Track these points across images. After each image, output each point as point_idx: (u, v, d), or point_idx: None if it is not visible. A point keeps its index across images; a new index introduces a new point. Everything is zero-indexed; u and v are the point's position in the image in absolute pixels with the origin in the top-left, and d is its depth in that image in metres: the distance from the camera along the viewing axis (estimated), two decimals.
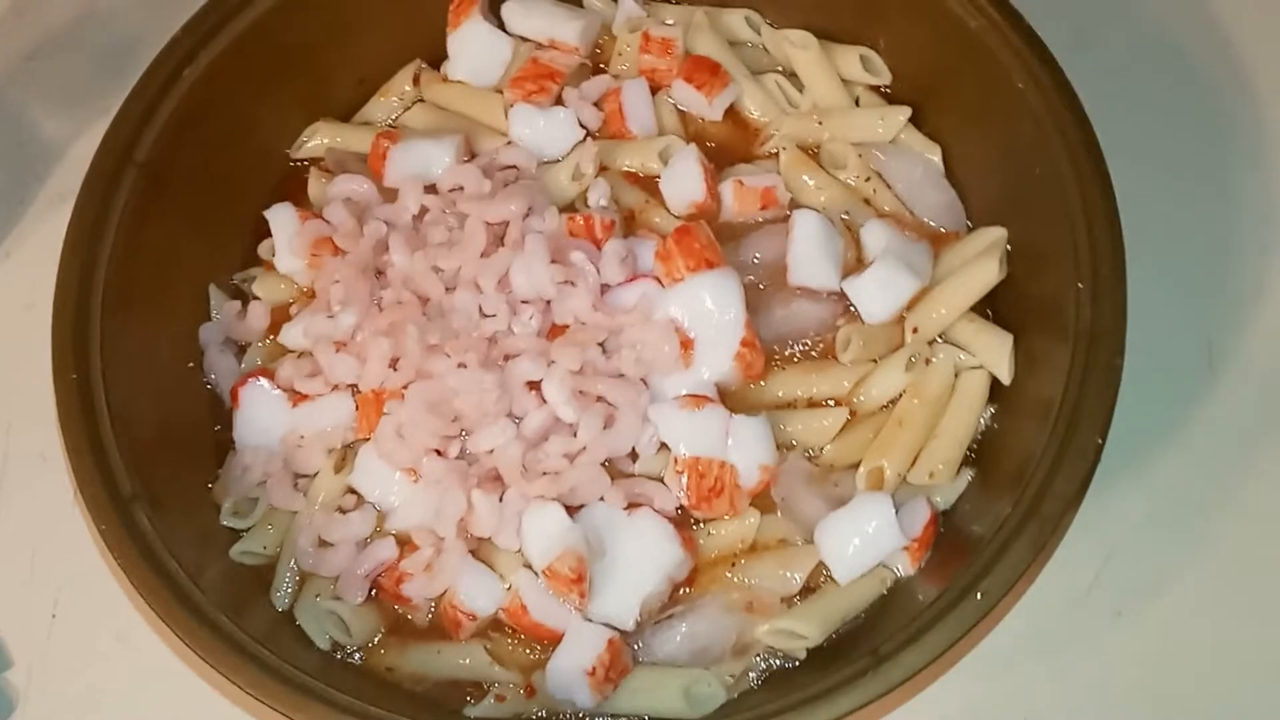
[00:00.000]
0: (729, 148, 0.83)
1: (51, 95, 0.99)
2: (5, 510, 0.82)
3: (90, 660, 0.78)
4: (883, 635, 0.66)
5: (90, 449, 0.67)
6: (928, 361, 0.75)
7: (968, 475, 0.74)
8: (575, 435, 0.72)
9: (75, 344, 0.70)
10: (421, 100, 0.86)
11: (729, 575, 0.72)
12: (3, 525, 0.82)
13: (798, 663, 0.70)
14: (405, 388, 0.73)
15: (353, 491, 0.74)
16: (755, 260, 0.78)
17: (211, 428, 0.78)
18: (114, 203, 0.74)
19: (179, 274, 0.79)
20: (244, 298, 0.81)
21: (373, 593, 0.72)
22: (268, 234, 0.82)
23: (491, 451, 0.72)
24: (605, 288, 0.76)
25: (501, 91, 0.84)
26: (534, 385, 0.73)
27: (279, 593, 0.72)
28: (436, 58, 0.87)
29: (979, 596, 0.63)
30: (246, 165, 0.83)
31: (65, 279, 0.72)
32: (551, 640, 0.70)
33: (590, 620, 0.69)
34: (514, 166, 0.81)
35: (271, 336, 0.79)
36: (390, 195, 0.80)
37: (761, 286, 0.78)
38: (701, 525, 0.73)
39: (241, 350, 0.80)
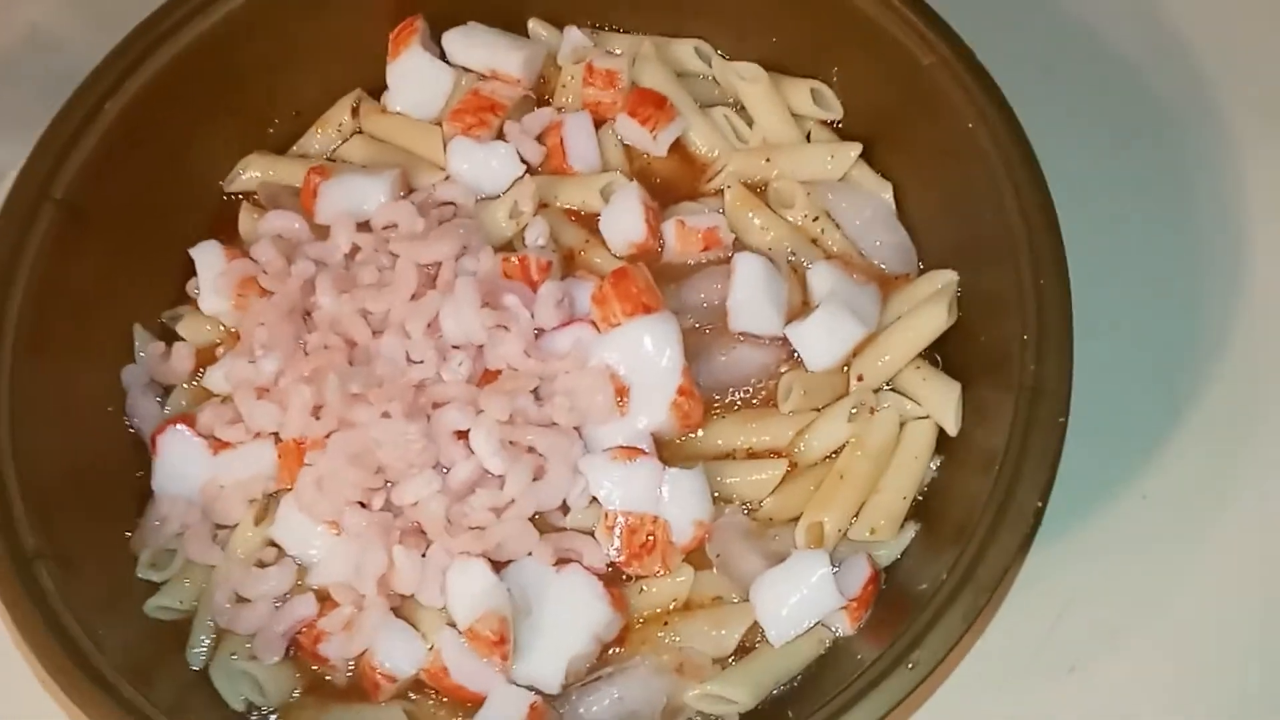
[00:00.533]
0: (674, 184, 0.81)
1: None
2: None
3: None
4: (814, 702, 0.64)
5: None
6: (872, 411, 0.72)
7: (912, 529, 0.71)
8: (503, 488, 0.69)
9: None
10: (359, 132, 0.84)
11: (660, 635, 0.69)
12: None
13: None
14: (327, 437, 0.70)
15: (273, 544, 0.71)
16: (700, 302, 0.76)
17: (134, 473, 0.75)
18: (28, 242, 0.71)
19: (102, 314, 0.76)
20: (171, 338, 0.78)
21: (291, 651, 0.70)
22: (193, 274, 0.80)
23: (415, 504, 0.69)
24: (540, 331, 0.73)
25: (441, 124, 0.82)
26: (462, 434, 0.70)
27: (195, 650, 0.70)
28: (376, 88, 0.84)
29: (910, 668, 0.60)
30: (178, 199, 0.81)
31: None
32: (474, 702, 0.67)
33: (514, 683, 0.67)
34: (451, 203, 0.79)
35: (196, 379, 0.77)
36: (322, 232, 0.78)
37: (703, 330, 0.75)
38: (633, 581, 0.70)
39: (166, 393, 0.77)
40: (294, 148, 0.84)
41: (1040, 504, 0.63)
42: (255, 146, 0.83)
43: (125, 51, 0.77)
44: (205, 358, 0.77)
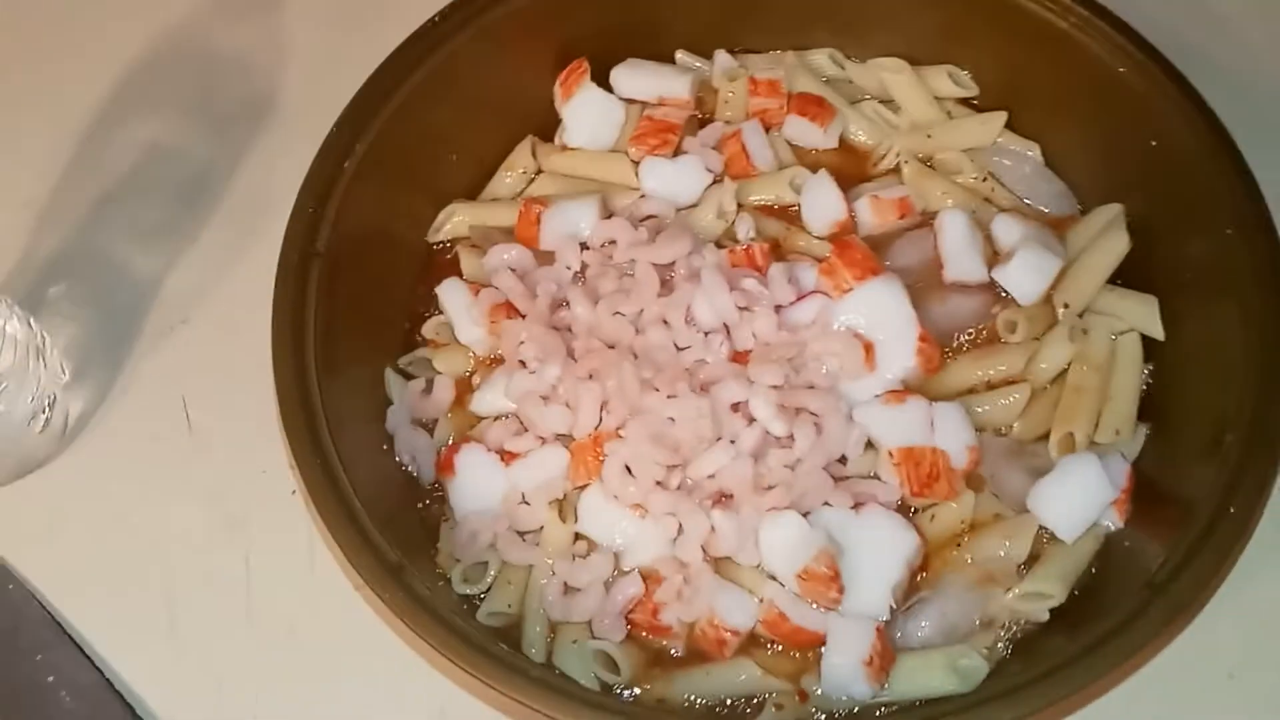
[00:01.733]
0: (844, 172, 0.88)
1: (133, 234, 0.99)
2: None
3: None
4: (1120, 586, 0.71)
5: (349, 522, 0.68)
6: (1085, 331, 0.80)
7: (1144, 430, 0.79)
8: (789, 447, 0.75)
9: (310, 434, 0.71)
10: (541, 171, 0.90)
11: (956, 555, 0.75)
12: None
13: (1041, 626, 0.74)
14: (620, 428, 0.75)
15: (580, 538, 0.75)
16: (907, 264, 0.83)
17: (415, 506, 0.79)
18: (307, 293, 0.75)
19: (359, 361, 0.80)
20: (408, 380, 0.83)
21: (627, 630, 0.73)
22: (419, 318, 0.84)
23: (713, 476, 0.74)
24: (778, 309, 0.80)
25: (620, 153, 0.89)
26: (735, 407, 0.76)
27: (533, 648, 0.73)
28: (543, 130, 0.91)
29: (1231, 510, 0.67)
30: (391, 255, 0.86)
31: (283, 380, 0.73)
32: (811, 643, 0.72)
33: (848, 616, 0.72)
34: (654, 216, 0.85)
35: (455, 409, 0.81)
36: (545, 259, 0.83)
37: (916, 287, 0.82)
38: (923, 511, 0.76)
39: (427, 428, 0.81)
40: (483, 194, 0.90)
41: None
42: (448, 199, 0.89)
43: (344, 124, 0.81)
44: (460, 388, 0.82)
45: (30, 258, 0.96)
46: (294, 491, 0.83)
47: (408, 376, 0.83)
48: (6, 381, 0.83)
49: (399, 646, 0.77)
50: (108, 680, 0.77)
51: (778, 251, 0.85)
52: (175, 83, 1.03)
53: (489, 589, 0.74)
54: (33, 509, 0.85)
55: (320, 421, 0.71)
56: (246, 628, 0.80)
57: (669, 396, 0.75)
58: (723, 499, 0.74)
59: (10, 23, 1.06)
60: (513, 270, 0.82)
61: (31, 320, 0.85)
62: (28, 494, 0.86)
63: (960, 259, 0.82)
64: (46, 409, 0.86)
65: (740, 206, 0.86)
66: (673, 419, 0.74)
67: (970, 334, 0.82)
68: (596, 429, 0.75)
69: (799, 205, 0.86)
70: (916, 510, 0.76)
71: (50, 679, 0.78)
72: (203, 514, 0.84)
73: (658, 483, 0.74)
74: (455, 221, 0.87)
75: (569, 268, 0.82)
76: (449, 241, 0.88)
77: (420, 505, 0.79)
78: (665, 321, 0.78)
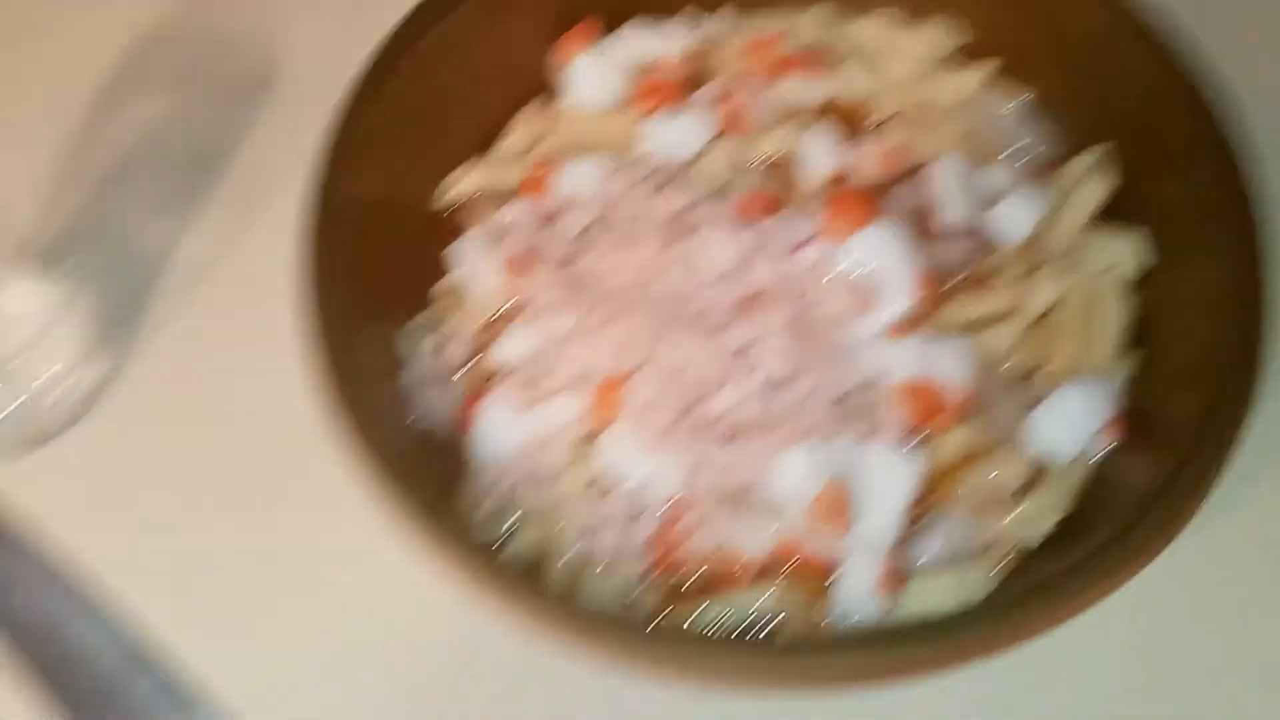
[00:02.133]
0: (839, 125, 0.92)
1: (143, 207, 1.02)
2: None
3: None
4: (1111, 507, 0.75)
5: (378, 467, 0.71)
6: (1072, 268, 0.84)
7: (1131, 358, 0.83)
8: (797, 385, 0.78)
9: (337, 384, 0.74)
10: (547, 132, 0.93)
11: (957, 483, 0.79)
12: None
13: (1036, 548, 0.78)
14: (634, 371, 0.78)
15: (598, 480, 0.79)
16: (898, 212, 0.87)
17: (435, 458, 0.82)
18: (326, 254, 0.78)
19: (376, 319, 0.83)
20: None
21: (647, 564, 0.77)
22: (431, 279, 0.88)
23: (726, 414, 0.78)
24: (780, 257, 0.83)
25: (621, 113, 0.92)
26: (745, 349, 0.79)
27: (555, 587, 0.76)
28: (549, 92, 0.94)
29: (1215, 430, 0.72)
30: (402, 218, 0.88)
31: (308, 337, 0.75)
32: (824, 571, 0.76)
33: (858, 542, 0.76)
34: (658, 171, 0.88)
35: (470, 364, 0.84)
36: (554, 216, 0.86)
37: (909, 234, 0.86)
38: (924, 443, 0.80)
39: (443, 384, 0.84)
40: (491, 156, 0.93)
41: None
42: (457, 163, 0.91)
43: (354, 93, 0.84)
44: (474, 344, 0.85)
45: (42, 230, 0.99)
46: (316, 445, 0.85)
47: (422, 336, 0.86)
48: (32, 348, 0.86)
49: (429, 588, 0.80)
50: (134, 643, 0.81)
51: (777, 202, 0.88)
52: (180, 56, 1.06)
53: (511, 534, 0.78)
54: (57, 475, 0.88)
55: (344, 374, 0.74)
56: (278, 582, 0.83)
57: (682, 340, 0.78)
58: (735, 435, 0.78)
59: None
60: (524, 226, 0.85)
61: (53, 289, 0.88)
62: (52, 460, 0.89)
63: (952, 203, 0.85)
64: (70, 375, 0.89)
65: (740, 160, 0.89)
66: (686, 361, 0.78)
67: (963, 276, 0.86)
68: (613, 373, 0.78)
69: (797, 158, 0.89)
70: (918, 442, 0.80)
71: (80, 646, 0.80)
72: (229, 472, 0.87)
73: (673, 422, 0.78)
74: (465, 183, 0.90)
75: (579, 222, 0.85)
76: (458, 204, 0.91)
77: (440, 458, 0.82)
78: (674, 270, 0.81)
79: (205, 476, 0.87)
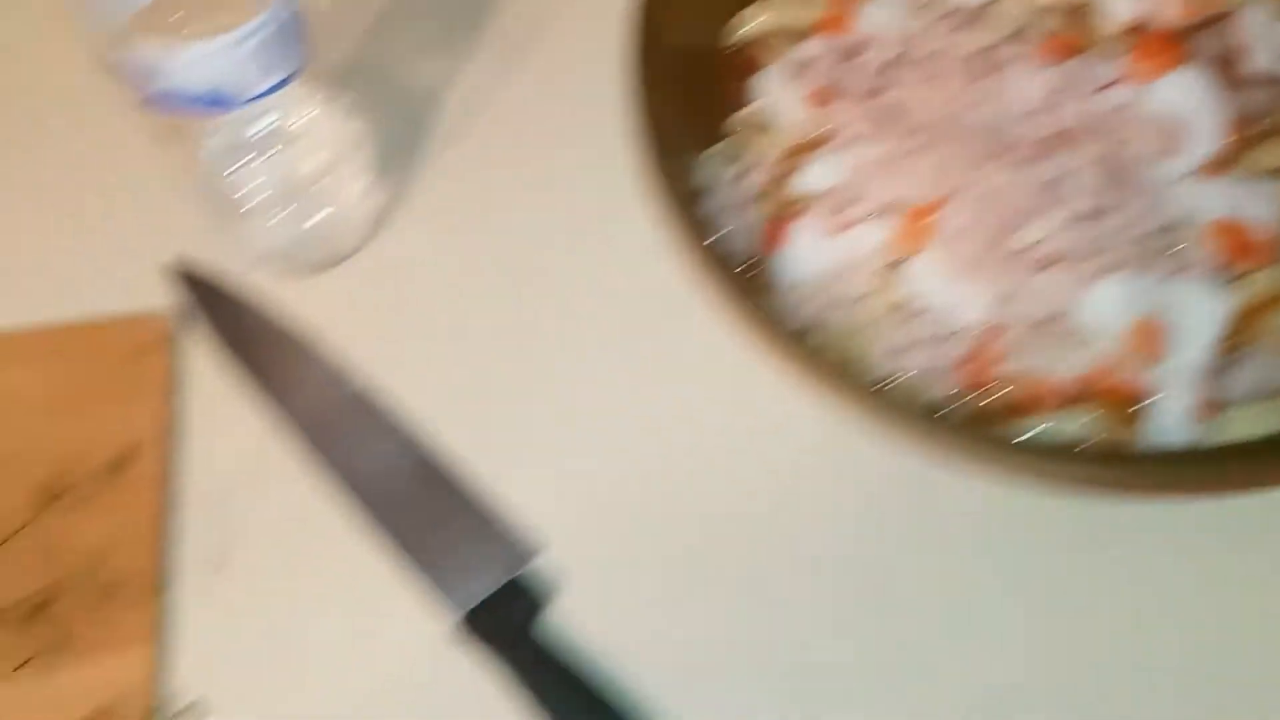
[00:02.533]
0: None
1: (410, 53, 1.05)
2: None
3: None
4: None
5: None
6: None
7: None
8: (1110, 217, 0.79)
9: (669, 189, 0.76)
10: None
11: (1265, 322, 0.79)
12: None
13: None
14: (944, 200, 0.79)
15: (903, 306, 0.80)
16: (1203, 57, 0.86)
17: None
18: (646, 86, 0.81)
19: (685, 149, 0.85)
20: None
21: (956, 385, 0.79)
22: (730, 111, 0.89)
23: (1038, 242, 0.79)
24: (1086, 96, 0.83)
25: None
26: (1057, 182, 0.80)
27: None
28: None
29: None
30: (701, 55, 0.90)
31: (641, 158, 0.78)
32: (1135, 398, 0.77)
33: (1173, 370, 0.76)
34: (960, 9, 0.89)
35: (771, 190, 0.86)
36: (853, 52, 0.87)
37: (1215, 80, 0.86)
38: (1237, 280, 0.80)
39: (740, 211, 0.86)
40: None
41: None
42: (744, 3, 0.93)
43: None
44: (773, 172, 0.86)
45: (317, 68, 1.02)
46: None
47: (720, 165, 0.87)
48: (328, 174, 0.89)
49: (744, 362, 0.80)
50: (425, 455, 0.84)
51: (1078, 45, 0.88)
52: None
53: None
54: (347, 293, 0.92)
55: (680, 195, 0.77)
56: (581, 404, 0.86)
57: (993, 170, 0.79)
58: (1046, 265, 0.79)
59: None
60: (825, 62, 0.86)
61: (343, 117, 0.91)
62: (344, 279, 0.93)
63: (1261, 50, 0.85)
64: (361, 201, 0.93)
65: (1038, 2, 0.89)
66: (997, 191, 0.79)
67: (1268, 122, 0.86)
68: (922, 202, 0.80)
69: (1096, 2, 0.88)
70: (1230, 279, 0.80)
71: (371, 456, 0.84)
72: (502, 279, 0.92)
73: (984, 250, 0.79)
74: (758, 21, 0.91)
75: (880, 58, 0.86)
76: (748, 41, 0.92)
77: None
78: (982, 104, 0.82)
79: (487, 297, 0.91)
